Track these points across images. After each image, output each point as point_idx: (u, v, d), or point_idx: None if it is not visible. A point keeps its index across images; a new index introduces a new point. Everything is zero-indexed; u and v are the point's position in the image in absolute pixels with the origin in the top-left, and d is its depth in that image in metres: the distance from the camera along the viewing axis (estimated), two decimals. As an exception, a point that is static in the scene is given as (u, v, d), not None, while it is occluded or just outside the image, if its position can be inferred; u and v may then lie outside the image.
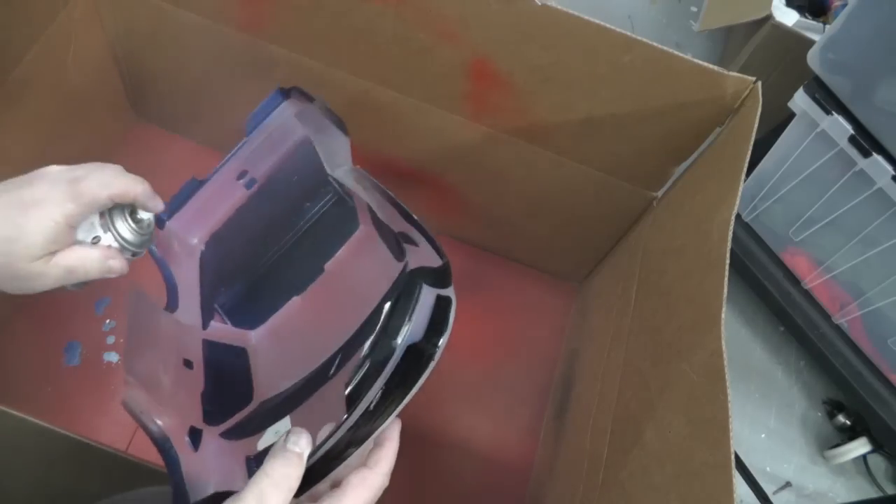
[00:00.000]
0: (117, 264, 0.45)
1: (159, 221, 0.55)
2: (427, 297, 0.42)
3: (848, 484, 0.98)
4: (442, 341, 0.41)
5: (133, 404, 0.45)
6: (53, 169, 0.43)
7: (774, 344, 1.07)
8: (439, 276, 0.44)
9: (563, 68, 0.61)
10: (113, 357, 0.82)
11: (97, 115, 0.87)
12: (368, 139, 0.79)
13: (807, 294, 0.97)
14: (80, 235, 0.44)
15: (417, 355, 0.40)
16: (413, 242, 0.48)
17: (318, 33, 0.67)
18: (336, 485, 0.38)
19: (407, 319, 0.40)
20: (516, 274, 0.95)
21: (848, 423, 0.99)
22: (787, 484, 0.97)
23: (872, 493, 0.98)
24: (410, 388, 0.40)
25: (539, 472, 0.82)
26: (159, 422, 0.45)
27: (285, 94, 0.58)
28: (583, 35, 0.57)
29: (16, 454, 0.57)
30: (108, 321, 0.83)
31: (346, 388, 0.39)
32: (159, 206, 0.47)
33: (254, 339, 0.57)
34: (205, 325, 0.57)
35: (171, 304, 0.56)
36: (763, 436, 1.00)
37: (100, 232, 0.44)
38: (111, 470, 0.55)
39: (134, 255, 0.47)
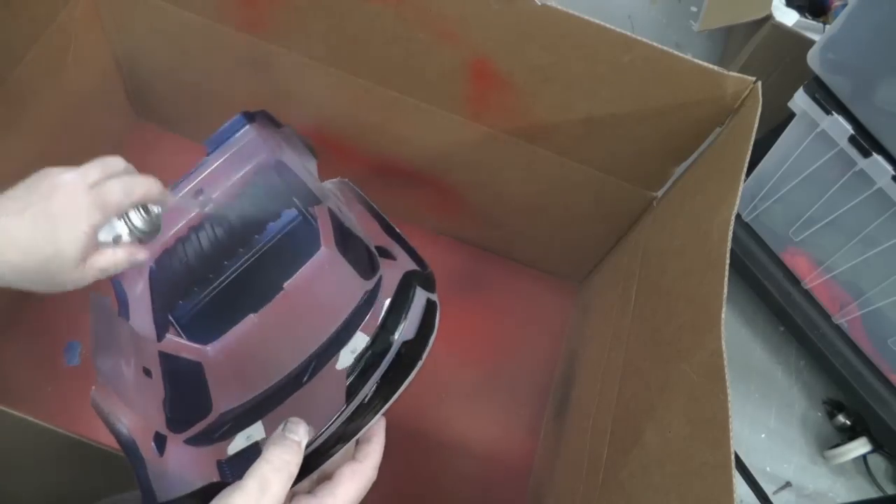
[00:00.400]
0: (141, 255, 0.49)
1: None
2: (420, 298, 0.44)
3: (848, 484, 0.98)
4: (429, 342, 0.44)
5: (101, 403, 0.46)
6: (65, 177, 0.44)
7: (774, 344, 1.07)
8: (428, 281, 0.47)
9: (563, 68, 0.61)
10: (113, 357, 0.82)
11: (97, 115, 0.87)
12: (368, 139, 0.79)
13: (807, 294, 0.97)
14: (102, 237, 0.47)
15: (409, 353, 0.42)
16: (391, 256, 0.50)
17: (318, 33, 0.67)
18: (323, 480, 0.39)
19: (403, 317, 0.43)
20: (516, 274, 0.95)
21: (848, 423, 0.99)
22: (787, 484, 0.97)
23: (872, 493, 0.98)
24: (399, 385, 0.41)
25: (539, 472, 0.82)
26: (126, 422, 0.46)
27: (250, 117, 0.60)
28: (583, 35, 0.57)
29: (16, 454, 0.57)
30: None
31: (348, 378, 0.41)
32: (169, 197, 0.51)
33: (210, 353, 0.58)
34: (159, 338, 0.58)
35: (123, 315, 0.57)
36: (763, 436, 1.00)
37: (120, 230, 0.48)
38: (111, 470, 0.55)
39: (146, 241, 0.50)
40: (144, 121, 0.95)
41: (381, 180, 0.85)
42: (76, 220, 0.43)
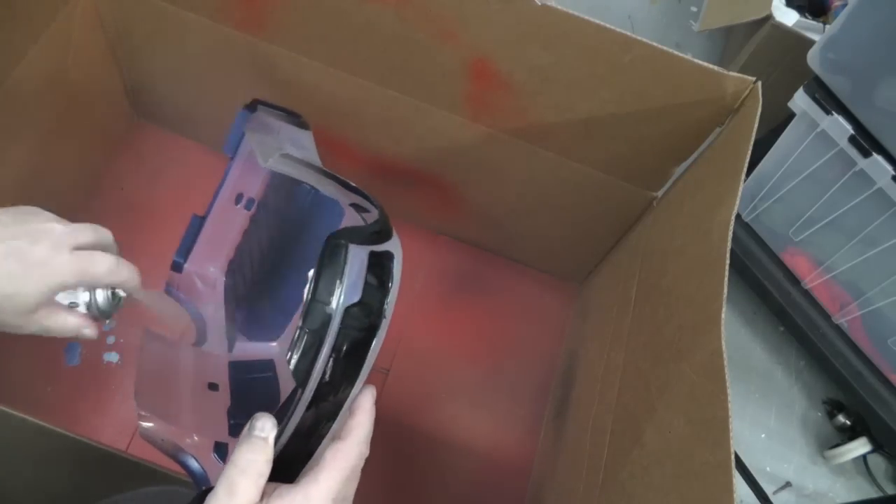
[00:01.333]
0: (90, 332, 0.48)
1: (177, 266, 0.58)
2: (357, 255, 0.40)
3: (848, 484, 0.98)
4: (389, 297, 0.41)
5: (151, 433, 0.46)
6: (56, 227, 0.44)
7: (774, 344, 1.07)
8: (368, 234, 0.43)
9: (563, 68, 0.61)
10: (113, 357, 0.81)
11: (97, 115, 0.87)
12: (368, 139, 0.79)
13: (807, 294, 0.97)
14: (59, 297, 0.46)
15: (363, 316, 0.39)
16: (367, 210, 0.47)
17: (317, 33, 0.67)
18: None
19: (338, 282, 0.38)
20: (516, 274, 0.95)
21: (848, 423, 0.99)
22: (787, 484, 0.97)
23: (872, 493, 0.98)
24: (365, 352, 0.39)
25: (539, 471, 0.82)
26: (181, 444, 0.46)
27: (251, 108, 0.60)
28: (583, 35, 0.57)
29: (16, 454, 0.57)
30: (107, 322, 0.83)
31: (289, 363, 0.38)
32: (139, 293, 0.50)
33: (277, 348, 0.58)
34: (230, 349, 0.58)
35: (200, 341, 0.57)
36: (763, 436, 1.00)
37: (80, 300, 0.47)
38: (111, 470, 0.55)
39: (101, 319, 0.49)
40: (144, 121, 0.95)
41: (380, 180, 0.85)
42: (50, 275, 0.43)
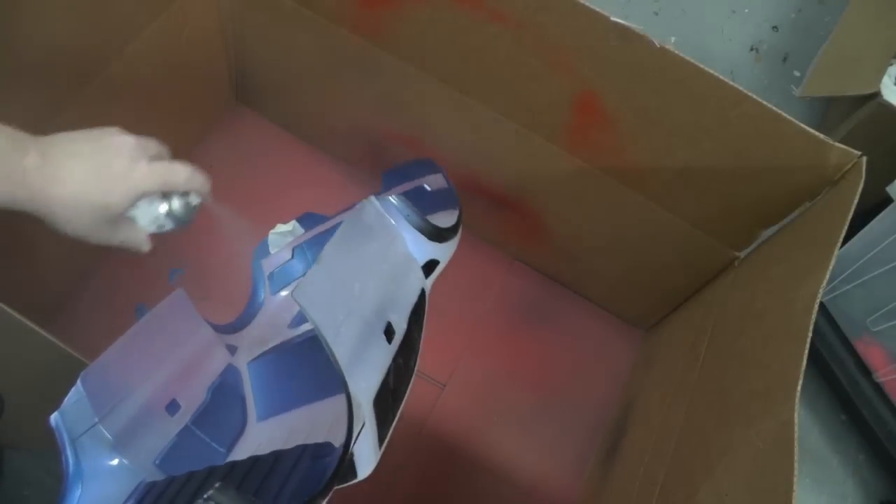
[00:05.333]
0: (146, 248, 0.52)
1: None
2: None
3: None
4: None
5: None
6: (129, 140, 0.48)
7: (834, 431, 1.02)
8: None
9: (668, 113, 0.61)
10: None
11: (199, 93, 0.90)
12: (462, 156, 0.80)
13: (878, 387, 0.92)
14: (141, 209, 0.50)
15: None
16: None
17: (431, 47, 0.69)
18: None
19: None
20: (584, 310, 0.95)
21: (904, 528, 0.94)
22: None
23: None
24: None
25: (578, 513, 0.80)
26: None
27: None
28: (695, 83, 0.57)
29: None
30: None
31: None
32: (212, 203, 0.55)
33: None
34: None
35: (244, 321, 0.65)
36: (810, 523, 0.96)
37: (159, 210, 0.51)
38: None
39: (177, 229, 0.53)
40: (245, 106, 0.98)
41: (466, 197, 0.86)
42: (134, 182, 0.47)
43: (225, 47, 0.88)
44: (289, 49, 0.82)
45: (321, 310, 0.43)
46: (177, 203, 0.51)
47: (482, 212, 0.87)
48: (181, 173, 0.50)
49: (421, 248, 0.59)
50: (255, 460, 0.48)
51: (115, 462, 0.47)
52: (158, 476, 0.50)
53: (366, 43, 0.73)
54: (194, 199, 0.52)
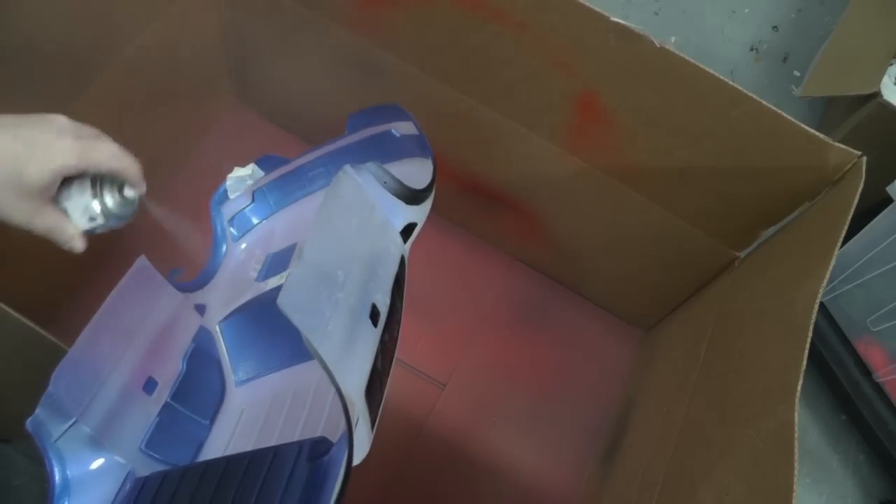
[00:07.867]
0: (78, 246, 0.48)
1: None
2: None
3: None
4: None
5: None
6: (61, 119, 0.46)
7: (834, 431, 1.03)
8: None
9: (668, 113, 0.61)
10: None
11: (198, 91, 0.90)
12: (462, 155, 0.80)
13: (877, 387, 0.92)
14: (70, 205, 0.47)
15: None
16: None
17: (433, 46, 0.69)
18: None
19: None
20: (583, 310, 0.95)
21: (904, 527, 0.94)
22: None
23: None
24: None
25: (577, 512, 0.80)
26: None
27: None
28: (695, 82, 0.57)
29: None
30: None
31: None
32: (144, 188, 0.50)
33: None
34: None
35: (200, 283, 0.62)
36: (810, 523, 0.96)
37: (91, 206, 0.47)
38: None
39: (112, 226, 0.50)
40: (244, 104, 0.98)
41: (466, 197, 0.86)
42: (52, 155, 0.44)
43: (225, 47, 0.88)
44: (288, 47, 0.82)
45: (308, 314, 0.41)
46: (109, 195, 0.48)
47: (482, 212, 0.87)
48: (105, 150, 0.46)
49: (398, 213, 0.56)
50: (252, 455, 0.48)
51: (101, 462, 0.46)
52: (145, 462, 0.49)
53: (365, 42, 0.73)
54: (129, 192, 0.49)
